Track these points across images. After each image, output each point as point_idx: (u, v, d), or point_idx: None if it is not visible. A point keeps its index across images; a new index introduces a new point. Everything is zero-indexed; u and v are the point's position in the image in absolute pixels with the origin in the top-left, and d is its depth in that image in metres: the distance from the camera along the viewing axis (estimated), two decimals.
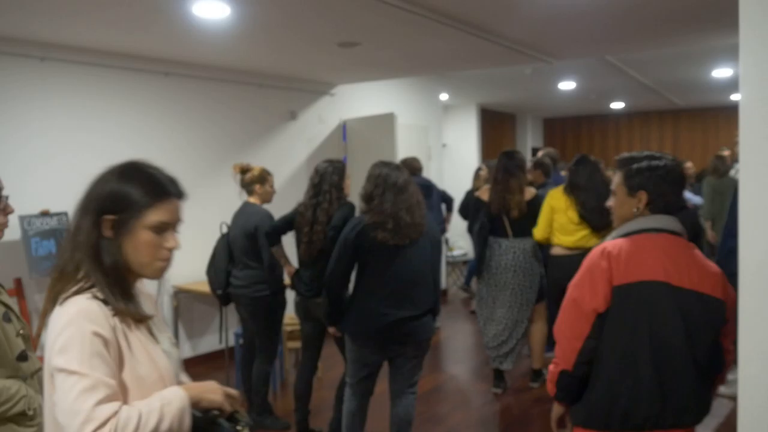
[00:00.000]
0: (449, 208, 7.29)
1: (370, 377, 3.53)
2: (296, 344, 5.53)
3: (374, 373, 3.54)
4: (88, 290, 1.44)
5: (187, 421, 1.42)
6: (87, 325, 1.37)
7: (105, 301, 1.43)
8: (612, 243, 2.07)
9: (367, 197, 3.35)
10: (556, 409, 2.23)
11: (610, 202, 2.21)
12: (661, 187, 2.08)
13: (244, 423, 1.52)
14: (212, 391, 1.51)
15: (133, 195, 1.47)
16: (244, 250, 4.31)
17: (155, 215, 1.48)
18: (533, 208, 4.88)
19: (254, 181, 4.39)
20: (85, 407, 1.30)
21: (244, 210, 4.38)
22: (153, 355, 1.49)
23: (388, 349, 3.42)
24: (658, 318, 2.00)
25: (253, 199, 4.38)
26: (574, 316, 2.04)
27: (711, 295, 2.00)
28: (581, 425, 2.10)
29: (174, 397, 1.42)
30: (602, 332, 2.01)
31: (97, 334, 1.37)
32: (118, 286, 1.47)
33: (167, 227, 1.52)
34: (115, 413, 1.32)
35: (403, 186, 3.32)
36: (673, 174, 2.11)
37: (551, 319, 5.71)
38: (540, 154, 6.58)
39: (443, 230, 7.17)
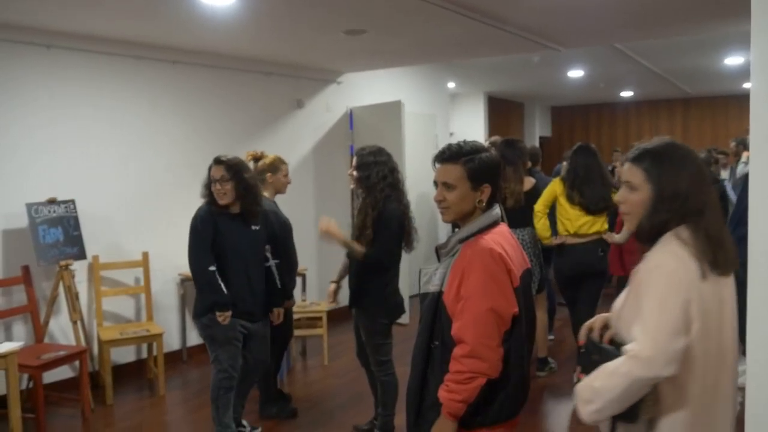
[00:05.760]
0: None
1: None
2: (302, 332, 5.54)
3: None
4: None
5: None
6: None
7: None
8: (492, 242, 2.02)
9: None
10: (453, 427, 2.01)
11: (445, 197, 2.10)
12: (499, 179, 2.14)
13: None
14: None
15: None
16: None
17: None
18: (531, 198, 4.83)
19: (266, 170, 4.23)
20: None
21: None
22: None
23: None
24: (530, 303, 2.14)
25: (264, 191, 4.14)
26: (493, 326, 1.96)
27: (530, 268, 2.19)
28: (493, 424, 2.05)
29: None
30: (512, 333, 2.02)
31: None
32: None
33: None
34: None
35: None
36: (499, 165, 2.17)
37: (551, 310, 5.83)
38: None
39: None
